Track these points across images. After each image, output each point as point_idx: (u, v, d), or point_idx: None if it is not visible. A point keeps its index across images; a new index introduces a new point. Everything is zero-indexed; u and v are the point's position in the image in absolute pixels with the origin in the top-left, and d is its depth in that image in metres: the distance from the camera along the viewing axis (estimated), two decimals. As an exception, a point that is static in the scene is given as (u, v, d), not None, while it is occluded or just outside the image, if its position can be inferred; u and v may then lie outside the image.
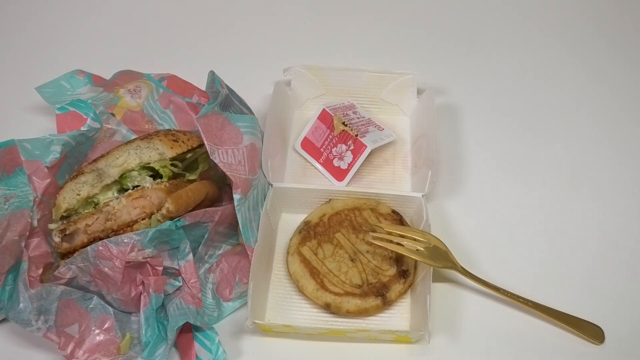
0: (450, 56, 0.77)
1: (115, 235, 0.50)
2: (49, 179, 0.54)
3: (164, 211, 0.51)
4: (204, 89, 0.60)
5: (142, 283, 0.51)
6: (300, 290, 0.54)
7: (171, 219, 0.51)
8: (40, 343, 0.51)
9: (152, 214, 0.51)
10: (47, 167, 0.53)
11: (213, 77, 0.57)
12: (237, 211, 0.52)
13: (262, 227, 0.54)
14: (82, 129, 0.60)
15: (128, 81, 0.63)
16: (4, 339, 0.53)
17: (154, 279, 0.51)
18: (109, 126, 0.62)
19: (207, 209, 0.52)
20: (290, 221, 0.60)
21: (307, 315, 0.54)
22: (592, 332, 0.52)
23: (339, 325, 0.53)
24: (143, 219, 0.51)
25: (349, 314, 0.52)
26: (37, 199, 0.53)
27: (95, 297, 0.51)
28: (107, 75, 0.64)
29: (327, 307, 0.53)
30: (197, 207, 0.53)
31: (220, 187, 0.59)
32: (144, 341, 0.50)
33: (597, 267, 0.57)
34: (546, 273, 0.57)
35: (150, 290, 0.50)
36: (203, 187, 0.54)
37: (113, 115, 0.62)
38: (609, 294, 0.55)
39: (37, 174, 0.53)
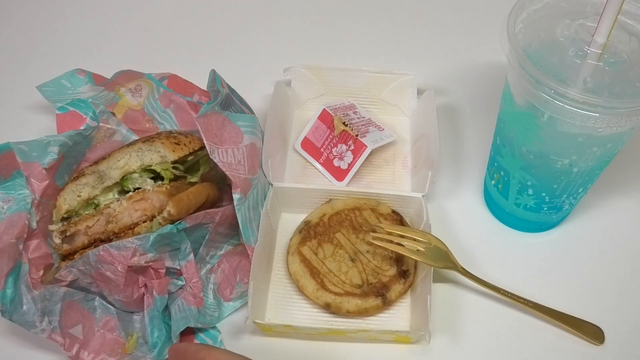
0: (450, 56, 0.77)
1: (117, 237, 0.50)
2: (47, 181, 0.53)
3: (165, 214, 0.51)
4: (204, 88, 0.60)
5: (145, 285, 0.51)
6: (301, 290, 0.54)
7: (172, 222, 0.51)
8: (43, 344, 0.51)
9: (153, 216, 0.51)
10: (45, 168, 0.53)
11: (214, 76, 0.57)
12: (236, 211, 0.52)
13: (262, 227, 0.54)
14: (80, 128, 0.60)
15: (129, 80, 0.63)
16: (4, 338, 0.53)
17: (157, 282, 0.51)
18: (109, 126, 0.62)
19: (208, 210, 0.52)
20: (290, 221, 0.60)
21: (307, 315, 0.54)
22: (592, 333, 0.52)
23: (339, 325, 0.53)
24: (144, 222, 0.51)
25: (349, 314, 0.53)
26: (35, 201, 0.52)
27: (97, 298, 0.51)
28: (108, 74, 0.64)
29: (327, 307, 0.53)
30: (198, 210, 0.53)
31: (221, 188, 0.59)
32: (151, 342, 0.50)
33: (597, 266, 0.57)
34: (546, 273, 0.57)
35: (154, 292, 0.50)
36: (204, 190, 0.54)
37: (113, 114, 0.62)
38: (609, 294, 0.56)
39: (35, 175, 0.53)
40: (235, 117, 0.56)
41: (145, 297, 0.51)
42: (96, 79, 0.64)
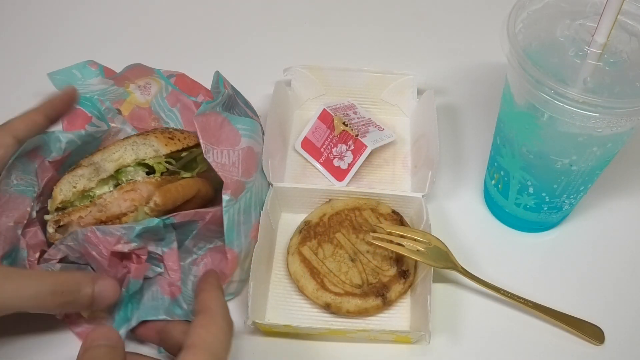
0: (450, 56, 0.77)
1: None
2: (51, 173, 0.54)
3: (151, 204, 0.50)
4: (208, 88, 0.60)
5: (127, 267, 0.51)
6: (301, 290, 0.54)
7: (159, 212, 0.50)
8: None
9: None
10: (49, 161, 0.54)
11: (217, 78, 0.57)
12: (224, 212, 0.51)
13: (262, 227, 0.54)
14: (87, 127, 0.60)
15: (138, 76, 0.63)
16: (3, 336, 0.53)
17: (135, 266, 0.50)
18: (114, 125, 0.62)
19: (199, 209, 0.52)
20: (290, 221, 0.60)
21: (307, 315, 0.54)
22: (592, 333, 0.52)
23: (339, 325, 0.53)
24: (132, 212, 0.51)
25: (349, 314, 0.53)
26: (39, 191, 0.53)
27: (88, 267, 0.51)
28: (117, 70, 0.64)
29: (327, 307, 0.53)
30: (188, 204, 0.53)
31: (217, 189, 0.58)
32: (115, 319, 0.51)
33: (597, 266, 0.57)
34: (546, 273, 0.57)
35: (130, 276, 0.50)
36: (194, 184, 0.54)
37: (119, 112, 0.62)
38: (609, 294, 0.56)
39: (41, 166, 0.54)
40: (235, 120, 0.56)
41: (127, 276, 0.51)
42: (107, 72, 0.64)
